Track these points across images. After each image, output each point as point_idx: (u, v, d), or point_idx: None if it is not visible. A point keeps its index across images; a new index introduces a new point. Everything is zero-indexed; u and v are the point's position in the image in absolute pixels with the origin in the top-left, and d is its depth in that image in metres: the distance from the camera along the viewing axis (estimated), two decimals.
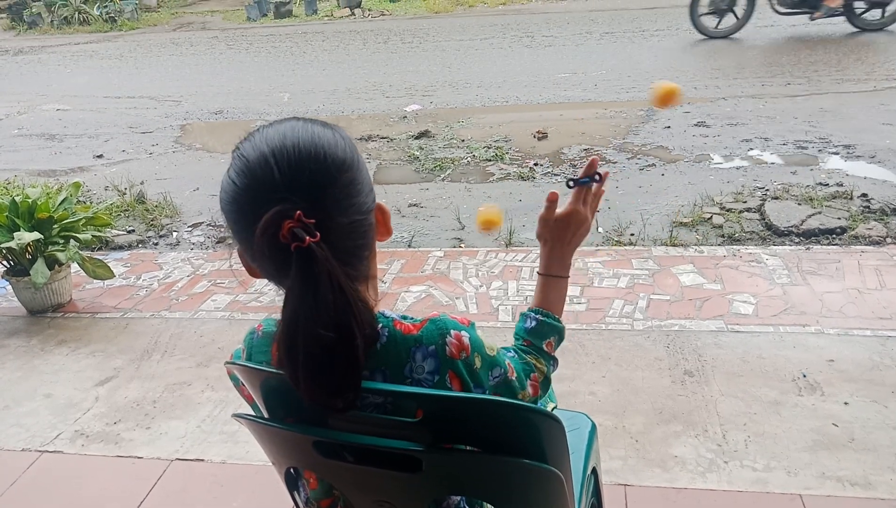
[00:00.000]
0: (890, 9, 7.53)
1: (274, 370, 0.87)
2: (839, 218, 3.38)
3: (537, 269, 1.18)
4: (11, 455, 2.18)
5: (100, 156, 5.61)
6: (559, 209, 1.16)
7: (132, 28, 13.66)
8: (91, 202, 4.24)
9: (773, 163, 4.30)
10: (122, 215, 4.21)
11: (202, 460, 2.09)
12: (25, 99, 7.90)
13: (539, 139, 5.09)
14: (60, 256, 2.88)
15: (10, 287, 3.12)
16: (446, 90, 6.81)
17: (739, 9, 7.98)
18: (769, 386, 2.19)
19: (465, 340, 0.88)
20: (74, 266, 3.07)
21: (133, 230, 4.00)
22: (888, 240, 3.16)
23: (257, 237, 0.78)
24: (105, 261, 3.13)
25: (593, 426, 1.40)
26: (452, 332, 0.87)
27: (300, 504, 1.04)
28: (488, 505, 0.96)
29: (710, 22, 8.13)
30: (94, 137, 6.19)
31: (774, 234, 3.34)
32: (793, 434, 1.98)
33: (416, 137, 5.34)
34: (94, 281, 3.16)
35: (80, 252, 2.99)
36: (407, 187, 4.37)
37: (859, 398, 2.10)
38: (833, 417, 2.04)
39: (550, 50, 8.42)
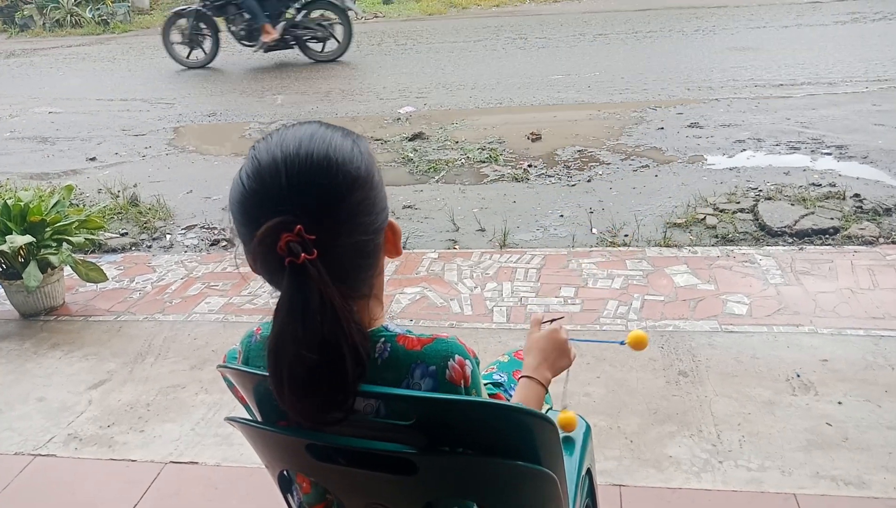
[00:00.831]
0: (331, 44, 8.47)
1: (266, 374, 0.87)
2: (832, 218, 3.39)
3: (522, 373, 1.19)
4: (4, 459, 2.16)
5: (92, 159, 5.59)
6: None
7: (124, 31, 13.61)
8: (84, 205, 4.22)
9: (766, 164, 4.32)
10: (115, 217, 4.19)
11: (196, 463, 2.09)
12: (17, 102, 7.86)
13: (533, 141, 5.10)
14: (53, 259, 2.87)
15: (2, 291, 3.11)
16: (440, 92, 6.81)
17: (207, 44, 8.67)
18: (763, 386, 2.19)
19: (468, 370, 0.85)
20: (67, 269, 3.05)
21: (126, 233, 3.99)
22: (881, 240, 3.18)
23: (255, 244, 0.78)
24: (98, 264, 3.11)
25: (588, 427, 1.40)
26: (456, 357, 0.85)
27: (297, 506, 1.04)
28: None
29: (182, 51, 8.76)
30: (87, 140, 6.16)
31: (768, 234, 3.35)
32: (787, 434, 1.98)
33: (410, 139, 5.33)
34: (87, 284, 3.15)
35: (73, 255, 2.98)
36: (401, 189, 4.36)
37: (853, 398, 2.11)
38: (827, 416, 2.04)
39: (544, 52, 8.43)
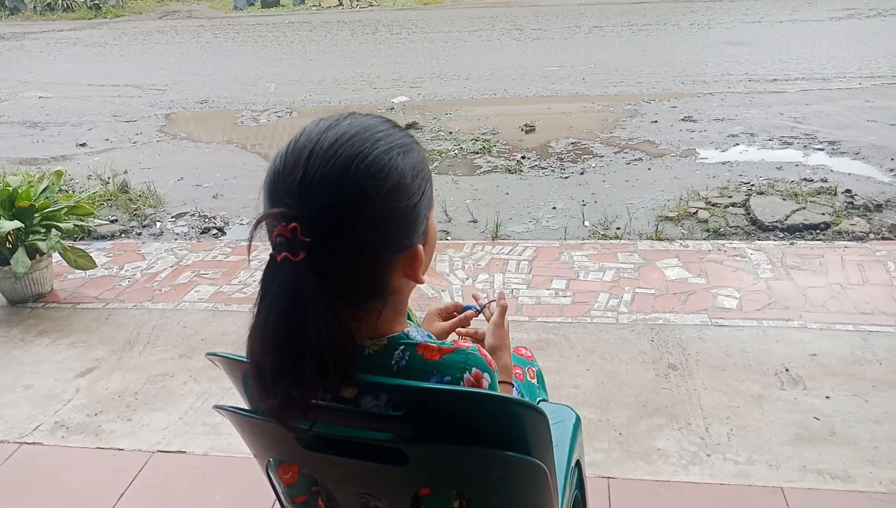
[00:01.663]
0: None
1: None
2: (823, 213, 3.40)
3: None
4: None
5: (83, 144, 5.54)
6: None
7: (117, 15, 13.49)
8: (73, 191, 4.18)
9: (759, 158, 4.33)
10: (105, 204, 4.16)
11: (184, 452, 2.08)
12: (7, 86, 7.78)
13: (527, 132, 5.09)
14: (42, 245, 2.84)
15: None
16: (434, 82, 6.78)
17: None
18: (752, 380, 2.20)
19: (485, 383, 0.83)
20: (56, 256, 3.03)
21: (116, 220, 3.96)
22: (871, 236, 3.19)
23: (253, 225, 0.77)
24: (87, 251, 3.09)
25: (577, 419, 1.40)
26: (473, 370, 0.83)
27: (282, 497, 1.04)
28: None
29: None
30: (77, 126, 6.11)
31: (759, 229, 3.36)
32: (775, 428, 1.99)
33: (404, 129, 5.31)
34: (76, 271, 3.12)
35: (62, 242, 2.95)
36: None
37: (840, 393, 2.12)
38: (815, 411, 2.05)
39: (539, 43, 8.41)
